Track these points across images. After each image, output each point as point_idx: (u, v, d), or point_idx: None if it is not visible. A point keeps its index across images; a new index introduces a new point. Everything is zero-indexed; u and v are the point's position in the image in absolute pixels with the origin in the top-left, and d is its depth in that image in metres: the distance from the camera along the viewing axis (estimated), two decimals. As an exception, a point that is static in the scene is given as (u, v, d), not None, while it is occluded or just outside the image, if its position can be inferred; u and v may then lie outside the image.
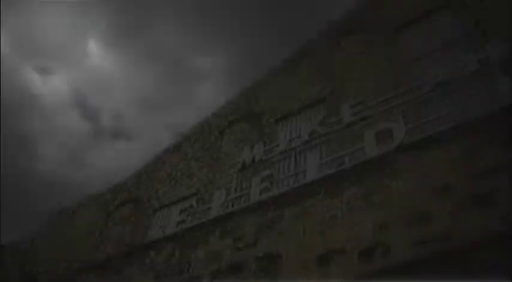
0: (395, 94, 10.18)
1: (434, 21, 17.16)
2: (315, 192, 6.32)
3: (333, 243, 5.48)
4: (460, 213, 4.96)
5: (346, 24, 19.59)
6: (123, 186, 20.39)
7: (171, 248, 6.97)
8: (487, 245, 4.66)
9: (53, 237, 16.79)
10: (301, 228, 5.94)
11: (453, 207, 5.04)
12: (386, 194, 5.63)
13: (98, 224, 18.80)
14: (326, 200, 6.12)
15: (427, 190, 5.37)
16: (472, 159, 5.40)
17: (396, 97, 9.41)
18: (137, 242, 15.87)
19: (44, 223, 18.83)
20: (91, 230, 18.76)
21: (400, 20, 17.92)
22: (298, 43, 18.13)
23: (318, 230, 5.77)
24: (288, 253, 5.73)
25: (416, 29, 17.52)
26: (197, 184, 17.20)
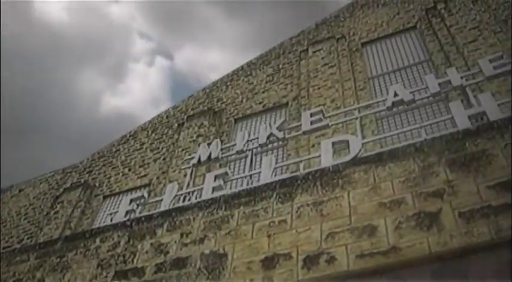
0: (355, 107, 10.37)
1: (401, 41, 17.51)
2: (266, 196, 6.38)
3: (280, 248, 5.56)
4: (404, 229, 5.09)
5: (316, 32, 19.84)
6: (74, 169, 20.12)
7: (118, 237, 6.92)
8: (427, 264, 4.81)
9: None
10: (249, 229, 5.99)
11: (399, 223, 5.17)
12: (337, 204, 5.74)
13: (45, 205, 18.51)
14: (277, 204, 6.18)
15: (376, 204, 5.50)
16: (424, 178, 5.55)
17: (356, 110, 9.57)
18: (83, 227, 15.72)
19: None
20: (36, 211, 18.45)
21: (368, 35, 18.27)
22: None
23: (266, 233, 5.83)
24: (234, 253, 5.77)
25: (383, 46, 17.87)
26: (150, 175, 17.15)
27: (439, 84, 8.30)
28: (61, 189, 18.93)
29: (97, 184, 18.56)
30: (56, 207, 17.78)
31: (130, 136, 20.49)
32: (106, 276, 6.40)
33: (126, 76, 67.54)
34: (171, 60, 72.53)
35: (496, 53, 10.22)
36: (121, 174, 18.40)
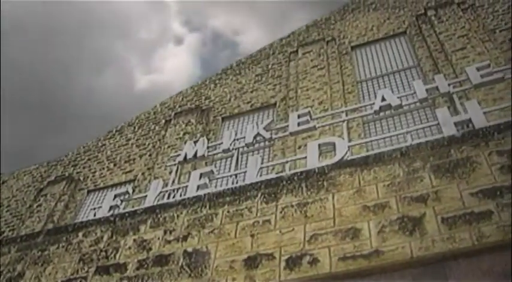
0: (342, 110, 10.42)
1: (391, 46, 17.61)
2: (251, 195, 6.39)
3: (263, 248, 5.57)
4: (388, 233, 5.12)
5: (306, 34, 19.88)
6: (59, 162, 20.00)
7: (101, 232, 6.89)
8: (408, 268, 4.84)
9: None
10: (233, 228, 6.00)
11: (382, 227, 5.21)
12: (321, 206, 5.76)
13: (28, 197, 18.38)
14: (261, 204, 6.19)
15: (360, 207, 5.53)
16: (409, 183, 5.59)
17: (343, 113, 9.61)
18: (66, 221, 15.63)
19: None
20: (19, 203, 18.32)
21: (358, 39, 18.33)
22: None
23: (249, 233, 5.84)
24: (217, 252, 5.78)
25: (372, 50, 17.95)
26: (135, 171, 17.09)
27: (427, 90, 8.36)
28: (45, 182, 18.80)
29: (81, 178, 18.47)
30: (39, 200, 17.66)
31: (116, 131, 20.41)
32: (87, 271, 6.37)
33: (159, 52, 67.46)
34: (203, 36, 72.13)
35: (484, 61, 10.31)
36: (106, 169, 18.32)
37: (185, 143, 11.03)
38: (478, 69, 8.26)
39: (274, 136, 9.21)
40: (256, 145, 9.37)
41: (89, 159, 19.46)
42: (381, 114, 8.63)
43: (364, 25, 19.08)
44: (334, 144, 7.50)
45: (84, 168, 19.07)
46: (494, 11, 16.61)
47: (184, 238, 6.20)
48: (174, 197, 8.34)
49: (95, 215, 8.43)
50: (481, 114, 6.89)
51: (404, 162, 5.86)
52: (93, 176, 18.30)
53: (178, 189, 8.63)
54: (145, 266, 6.06)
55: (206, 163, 12.31)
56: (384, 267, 4.90)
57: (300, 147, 12.57)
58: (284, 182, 6.33)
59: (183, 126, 17.67)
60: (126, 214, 7.11)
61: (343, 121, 9.22)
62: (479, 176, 5.33)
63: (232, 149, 9.10)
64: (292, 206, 5.95)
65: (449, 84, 8.40)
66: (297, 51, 18.59)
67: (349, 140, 8.99)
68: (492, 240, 4.66)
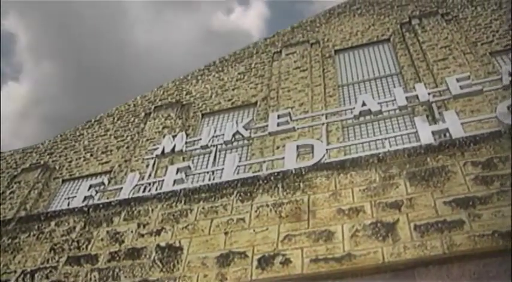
0: (322, 112, 10.48)
1: (374, 52, 17.74)
2: (227, 193, 6.39)
3: (236, 246, 5.57)
4: (361, 237, 5.16)
5: (291, 35, 19.93)
6: (34, 149, 19.79)
7: (73, 222, 6.84)
8: (379, 273, 4.89)
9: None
10: (207, 225, 5.99)
11: (356, 231, 5.25)
12: (296, 207, 5.78)
13: (1, 184, 18.14)
14: (237, 202, 6.20)
15: (335, 210, 5.57)
16: (384, 188, 5.64)
17: (323, 115, 9.66)
18: (39, 209, 15.47)
19: None
20: (-8, 189, 18.06)
21: (342, 43, 18.43)
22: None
23: (223, 230, 5.84)
24: (190, 248, 5.77)
25: (356, 55, 18.08)
26: (112, 162, 16.98)
27: (407, 98, 8.44)
28: (19, 169, 18.59)
29: (57, 167, 18.29)
30: (13, 187, 17.45)
31: (95, 121, 20.26)
32: (58, 261, 6.31)
33: None
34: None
35: (464, 73, 10.44)
36: (82, 158, 18.17)
37: (164, 137, 10.99)
38: (458, 80, 8.36)
39: (253, 135, 9.23)
40: (235, 143, 9.38)
41: (65, 148, 19.29)
42: (361, 119, 8.70)
43: (348, 30, 19.19)
44: (312, 147, 7.54)
45: (60, 157, 18.89)
46: (477, 24, 16.83)
47: (158, 232, 6.18)
48: (149, 190, 8.31)
49: (68, 205, 8.35)
50: (458, 124, 6.98)
51: (381, 168, 5.91)
52: (69, 165, 18.14)
53: (154, 183, 8.60)
54: (117, 258, 6.02)
55: (184, 158, 12.27)
56: (355, 271, 4.94)
57: (278, 148, 12.60)
58: (260, 182, 6.34)
59: (163, 120, 17.60)
60: (101, 205, 7.06)
61: (323, 124, 9.26)
62: (454, 185, 5.40)
63: (211, 145, 9.09)
64: (267, 205, 5.96)
65: (429, 93, 8.49)
66: (280, 51, 18.64)
67: (328, 143, 9.04)
68: (462, 249, 4.72)
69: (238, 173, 7.74)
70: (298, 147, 7.66)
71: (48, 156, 19.15)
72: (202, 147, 9.19)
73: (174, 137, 9.61)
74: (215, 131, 9.36)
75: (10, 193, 17.08)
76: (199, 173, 9.49)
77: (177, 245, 5.89)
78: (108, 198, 9.22)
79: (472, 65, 14.19)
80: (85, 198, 8.24)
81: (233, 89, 18.35)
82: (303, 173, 6.27)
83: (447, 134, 6.90)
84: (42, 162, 18.75)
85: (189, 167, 8.25)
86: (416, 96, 8.43)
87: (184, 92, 19.60)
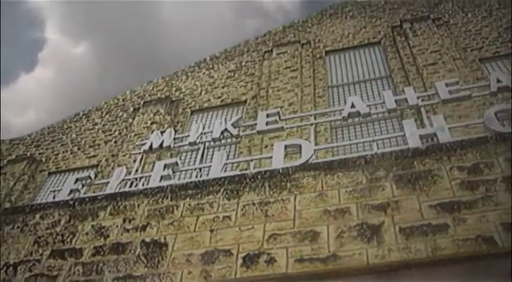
0: (311, 113, 10.49)
1: (365, 54, 17.80)
2: (214, 190, 6.39)
3: (221, 243, 5.57)
4: (346, 239, 5.18)
5: (283, 35, 19.93)
6: (21, 141, 19.65)
7: (58, 216, 6.80)
8: (363, 274, 4.91)
9: None
10: (193, 222, 5.99)
11: (341, 232, 5.27)
12: (282, 207, 5.80)
13: (-14, 174, 17.98)
14: (223, 200, 6.20)
15: (321, 211, 5.58)
16: (371, 190, 5.66)
17: (312, 116, 9.68)
18: (24, 202, 15.36)
19: None
20: (-24, 180, 17.91)
21: (333, 44, 18.46)
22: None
23: (209, 227, 5.84)
24: (175, 244, 5.76)
25: (346, 56, 18.13)
26: (99, 156, 16.90)
27: (396, 101, 8.48)
28: (5, 161, 18.44)
29: (43, 159, 18.17)
30: (-3, 178, 17.32)
31: (83, 115, 20.16)
32: (42, 254, 6.28)
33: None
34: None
35: (453, 78, 10.51)
36: (69, 152, 18.07)
37: (152, 132, 10.96)
38: (447, 85, 8.42)
39: (241, 133, 9.23)
40: (223, 141, 9.39)
41: (52, 141, 19.17)
42: (349, 120, 8.72)
43: (340, 31, 19.23)
44: (300, 147, 7.55)
45: (47, 149, 18.77)
46: (467, 30, 16.94)
47: (143, 228, 6.16)
48: (136, 185, 8.28)
49: (54, 198, 8.30)
50: (446, 129, 7.02)
51: (368, 170, 5.94)
52: (56, 158, 18.03)
53: (141, 178, 8.57)
54: (102, 252, 6.01)
55: (171, 154, 12.26)
56: (340, 271, 4.96)
57: (266, 147, 12.61)
58: (247, 180, 6.35)
59: (151, 115, 17.55)
60: (86, 199, 7.03)
61: (311, 124, 9.28)
62: (439, 189, 5.43)
63: (199, 142, 9.09)
64: (253, 204, 5.97)
65: (418, 97, 8.54)
66: (271, 51, 18.64)
67: (316, 144, 9.05)
68: (446, 252, 4.76)
69: (225, 171, 7.74)
70: (286, 146, 7.67)
71: (34, 149, 19.02)
72: (190, 144, 9.18)
73: (162, 132, 9.60)
74: (204, 128, 9.36)
75: (-5, 184, 16.94)
76: (186, 170, 9.48)
77: (162, 241, 5.88)
78: (94, 192, 9.19)
79: (461, 70, 14.27)
80: (71, 191, 8.20)
81: (223, 87, 18.33)
82: (290, 172, 6.28)
83: (434, 139, 6.93)
84: (28, 154, 18.62)
85: (176, 164, 8.23)
86: (406, 100, 8.47)
87: (174, 88, 19.55)
